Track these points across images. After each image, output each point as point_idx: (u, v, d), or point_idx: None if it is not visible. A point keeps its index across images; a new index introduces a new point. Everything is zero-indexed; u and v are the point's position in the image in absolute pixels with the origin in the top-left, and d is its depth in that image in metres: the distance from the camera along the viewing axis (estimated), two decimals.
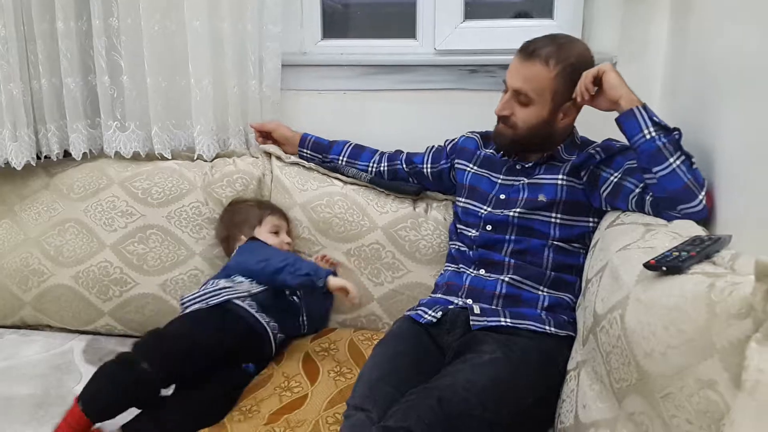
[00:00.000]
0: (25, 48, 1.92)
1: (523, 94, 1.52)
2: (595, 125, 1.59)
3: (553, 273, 1.55)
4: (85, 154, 2.01)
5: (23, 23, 1.90)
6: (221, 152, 2.00)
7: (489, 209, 1.63)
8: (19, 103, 1.91)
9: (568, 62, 1.49)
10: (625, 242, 1.28)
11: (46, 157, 2.02)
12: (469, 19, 2.00)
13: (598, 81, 1.45)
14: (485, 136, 1.76)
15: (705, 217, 1.33)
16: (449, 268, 1.68)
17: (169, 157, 1.99)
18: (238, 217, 1.86)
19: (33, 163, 1.99)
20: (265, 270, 1.68)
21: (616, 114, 1.44)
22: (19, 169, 1.95)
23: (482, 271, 1.59)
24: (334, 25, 2.13)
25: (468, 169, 1.73)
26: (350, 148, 1.93)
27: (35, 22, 1.89)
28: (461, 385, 1.28)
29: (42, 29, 1.90)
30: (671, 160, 1.34)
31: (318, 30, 2.08)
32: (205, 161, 1.98)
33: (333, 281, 1.64)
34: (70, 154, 2.01)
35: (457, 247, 1.68)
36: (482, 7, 2.08)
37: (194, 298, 1.67)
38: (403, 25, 2.05)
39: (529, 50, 1.51)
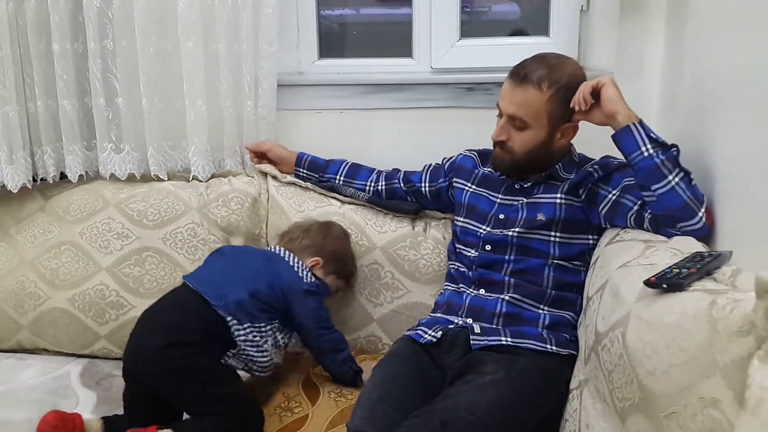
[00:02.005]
0: (21, 70, 1.92)
1: (519, 119, 1.51)
2: (593, 143, 1.59)
3: (553, 291, 1.54)
4: (81, 176, 2.01)
5: (19, 45, 1.91)
6: (216, 172, 2.00)
7: (488, 229, 1.62)
8: (15, 126, 1.91)
9: (561, 83, 1.48)
10: (625, 259, 1.27)
11: (42, 179, 2.02)
12: (465, 37, 2.01)
13: (596, 93, 1.45)
14: (483, 155, 1.75)
15: (705, 234, 1.33)
16: (449, 288, 1.67)
17: (165, 178, 1.99)
18: (343, 256, 1.79)
19: (29, 186, 1.98)
20: (327, 337, 1.63)
21: (612, 130, 1.44)
22: (15, 191, 1.95)
23: (482, 291, 1.58)
24: (331, 44, 2.14)
25: (466, 188, 1.72)
26: (347, 167, 1.92)
27: (31, 44, 1.90)
28: (464, 408, 1.27)
29: (38, 51, 1.91)
30: (670, 177, 1.33)
31: (314, 50, 2.09)
32: (201, 182, 1.98)
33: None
34: (66, 176, 2.00)
35: (456, 266, 1.67)
36: (478, 25, 2.08)
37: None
38: (400, 44, 2.06)
39: (520, 75, 1.50)
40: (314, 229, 1.76)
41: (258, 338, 1.56)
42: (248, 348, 1.55)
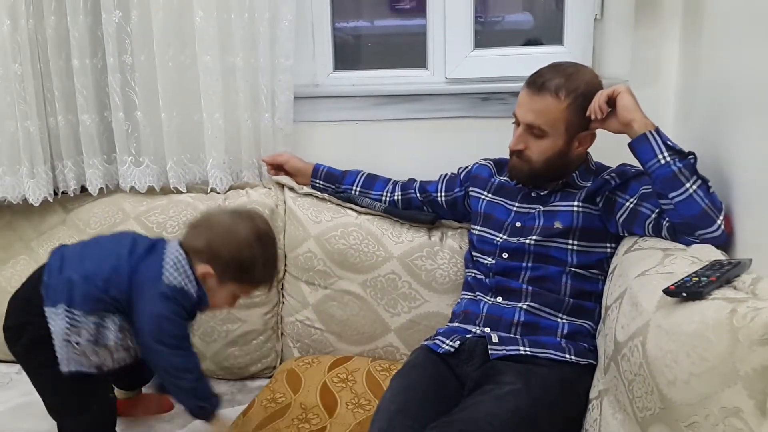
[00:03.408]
0: (41, 86, 1.95)
1: (537, 128, 1.51)
2: (609, 151, 1.58)
3: (571, 300, 1.54)
4: (101, 189, 2.03)
5: (39, 61, 1.93)
6: (234, 184, 2.01)
7: (505, 237, 1.62)
8: (36, 140, 1.93)
9: (578, 92, 1.49)
10: (644, 268, 1.26)
11: (63, 192, 2.04)
12: (479, 47, 2.01)
13: (612, 102, 1.45)
14: (498, 164, 1.76)
15: (724, 242, 1.32)
16: (466, 296, 1.67)
17: (184, 191, 2.00)
18: (248, 263, 1.45)
19: (50, 199, 2.00)
20: (164, 355, 1.37)
21: (629, 138, 1.44)
22: (36, 205, 1.97)
23: (499, 299, 1.58)
24: (346, 56, 2.15)
25: (482, 196, 1.73)
26: (363, 177, 1.93)
27: (51, 60, 1.92)
28: (482, 418, 1.27)
29: (58, 67, 1.93)
30: (687, 185, 1.33)
31: (330, 62, 2.10)
32: (219, 194, 1.99)
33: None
34: (87, 190, 2.02)
35: (473, 275, 1.67)
36: (492, 35, 2.09)
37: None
38: (414, 55, 2.07)
39: (537, 84, 1.50)
40: (218, 229, 1.46)
41: (70, 327, 1.37)
42: (59, 338, 1.37)
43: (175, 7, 1.88)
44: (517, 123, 1.56)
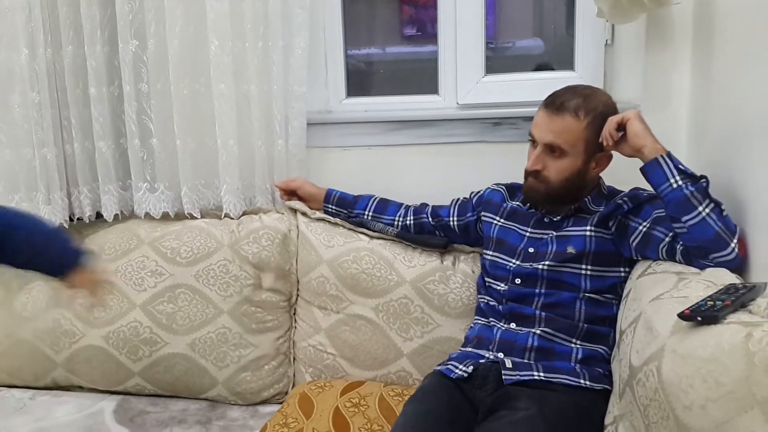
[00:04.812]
0: (58, 114, 1.98)
1: (557, 148, 1.52)
2: (622, 174, 1.58)
3: (585, 325, 1.53)
4: (116, 215, 2.04)
5: (57, 90, 1.97)
6: (247, 209, 2.02)
7: (518, 262, 1.62)
8: (52, 167, 1.96)
9: (597, 112, 1.50)
10: (658, 292, 1.26)
11: (78, 219, 2.06)
12: (490, 73, 2.03)
13: (622, 127, 1.46)
14: (511, 188, 1.76)
15: (738, 265, 1.31)
16: (479, 322, 1.67)
17: (198, 217, 2.02)
18: None
19: (66, 225, 2.02)
20: None
21: (641, 162, 1.44)
22: None
23: (513, 325, 1.57)
24: (358, 83, 2.17)
25: (494, 221, 1.73)
26: (375, 202, 1.94)
27: (68, 88, 1.96)
28: None
29: (75, 95, 1.97)
30: (700, 208, 1.33)
31: (342, 89, 2.12)
32: (232, 219, 2.01)
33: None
34: (102, 216, 2.05)
35: (486, 300, 1.67)
36: (503, 60, 2.11)
37: None
38: (426, 81, 2.09)
39: (556, 104, 1.52)
40: None
41: None
42: None
43: (190, 36, 1.91)
44: (534, 144, 1.57)
